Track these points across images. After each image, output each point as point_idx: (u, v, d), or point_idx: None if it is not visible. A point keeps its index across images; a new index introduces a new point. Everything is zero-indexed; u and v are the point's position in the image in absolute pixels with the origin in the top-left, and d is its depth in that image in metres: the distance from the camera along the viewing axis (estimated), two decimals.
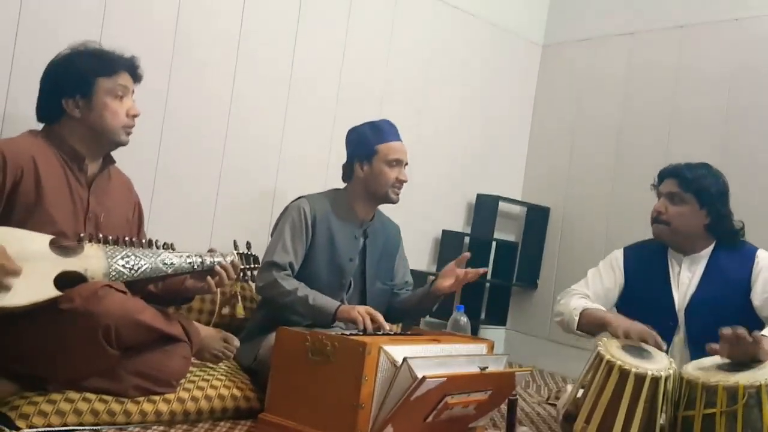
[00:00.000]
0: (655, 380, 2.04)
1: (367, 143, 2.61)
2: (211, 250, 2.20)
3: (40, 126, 2.12)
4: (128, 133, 2.13)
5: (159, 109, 2.86)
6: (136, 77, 2.17)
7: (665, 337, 2.38)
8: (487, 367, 2.11)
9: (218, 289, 2.20)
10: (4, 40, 2.48)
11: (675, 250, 2.54)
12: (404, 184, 2.63)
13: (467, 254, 2.57)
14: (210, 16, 3.01)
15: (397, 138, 2.64)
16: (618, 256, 2.63)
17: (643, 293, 2.52)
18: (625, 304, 2.56)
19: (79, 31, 2.56)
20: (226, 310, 2.80)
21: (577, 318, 2.43)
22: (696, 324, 2.41)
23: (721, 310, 2.37)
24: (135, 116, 2.13)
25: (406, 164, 2.66)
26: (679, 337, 2.44)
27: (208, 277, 2.13)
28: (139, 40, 2.72)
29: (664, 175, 2.53)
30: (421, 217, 3.85)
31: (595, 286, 2.57)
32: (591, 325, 2.40)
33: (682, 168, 2.49)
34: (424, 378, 1.86)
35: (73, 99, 2.05)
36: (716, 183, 2.46)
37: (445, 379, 1.92)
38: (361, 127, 2.67)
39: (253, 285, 2.56)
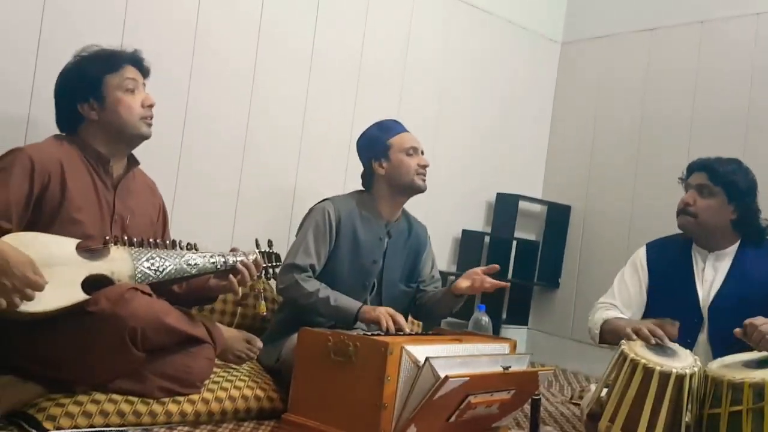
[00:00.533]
0: (680, 378, 2.02)
1: (379, 141, 2.63)
2: (233, 250, 2.22)
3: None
4: (149, 124, 2.14)
5: (180, 105, 2.90)
6: (143, 70, 2.18)
7: (690, 335, 2.36)
8: (510, 367, 2.10)
9: (240, 288, 2.22)
10: (27, 44, 2.52)
11: (699, 246, 2.52)
12: (427, 168, 2.63)
13: (497, 267, 2.56)
14: (229, 13, 3.04)
15: (405, 129, 2.67)
16: (641, 254, 2.60)
17: (667, 290, 2.50)
18: (651, 300, 2.54)
19: (102, 30, 2.62)
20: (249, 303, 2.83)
21: (598, 332, 2.44)
22: (720, 322, 2.38)
23: (746, 308, 2.33)
24: (151, 106, 2.14)
25: (423, 152, 2.65)
26: (704, 335, 2.42)
27: (231, 276, 2.14)
28: (160, 39, 2.78)
29: (694, 167, 2.52)
30: (441, 217, 3.85)
31: (621, 295, 2.55)
32: (611, 336, 2.39)
33: (712, 161, 2.48)
34: (447, 377, 1.86)
35: (88, 102, 2.08)
36: (746, 178, 2.45)
37: (468, 378, 1.92)
38: (367, 130, 2.71)
39: (275, 283, 2.58)
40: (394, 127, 2.67)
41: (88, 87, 2.08)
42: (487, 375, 2.03)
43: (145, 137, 2.15)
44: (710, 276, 2.46)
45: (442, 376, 1.87)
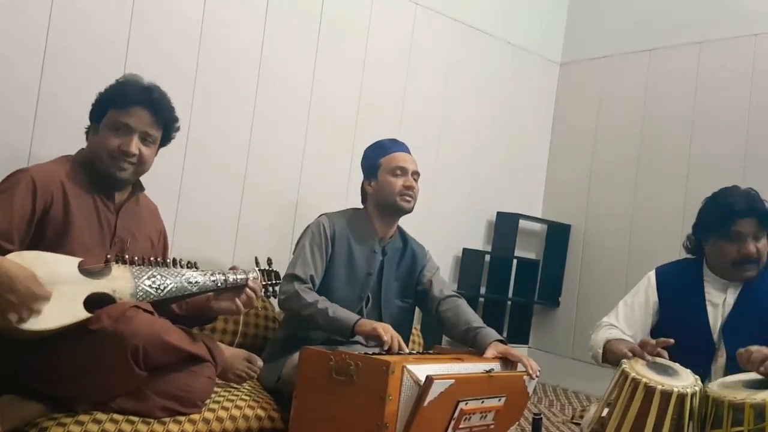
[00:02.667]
0: (681, 397, 2.02)
1: (372, 160, 2.68)
2: (233, 268, 2.22)
3: (72, 151, 2.17)
4: (121, 168, 2.07)
5: (183, 120, 2.90)
6: (156, 111, 2.11)
7: (704, 361, 2.34)
8: (492, 369, 2.14)
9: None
10: (30, 73, 2.56)
11: (722, 278, 2.47)
12: (415, 191, 2.62)
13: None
14: (231, 41, 3.08)
15: (401, 150, 2.67)
16: (651, 279, 2.57)
17: (678, 316, 2.47)
18: (661, 327, 2.50)
19: (104, 63, 2.66)
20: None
21: (601, 351, 2.43)
22: (736, 346, 2.28)
23: (760, 330, 2.31)
24: (124, 153, 2.06)
25: (416, 173, 2.65)
26: (720, 361, 2.39)
27: (236, 299, 2.15)
28: (162, 66, 2.79)
29: (740, 214, 2.39)
30: (442, 236, 3.86)
31: (626, 317, 2.53)
32: (613, 357, 2.37)
33: (753, 202, 2.41)
34: (432, 379, 1.89)
35: (91, 123, 2.13)
36: None
37: (454, 381, 1.95)
38: (367, 147, 2.75)
39: (274, 301, 2.59)
40: (390, 146, 2.68)
41: (97, 112, 2.11)
42: (472, 377, 2.07)
43: (115, 178, 2.09)
44: (723, 300, 2.43)
45: (427, 379, 1.90)
